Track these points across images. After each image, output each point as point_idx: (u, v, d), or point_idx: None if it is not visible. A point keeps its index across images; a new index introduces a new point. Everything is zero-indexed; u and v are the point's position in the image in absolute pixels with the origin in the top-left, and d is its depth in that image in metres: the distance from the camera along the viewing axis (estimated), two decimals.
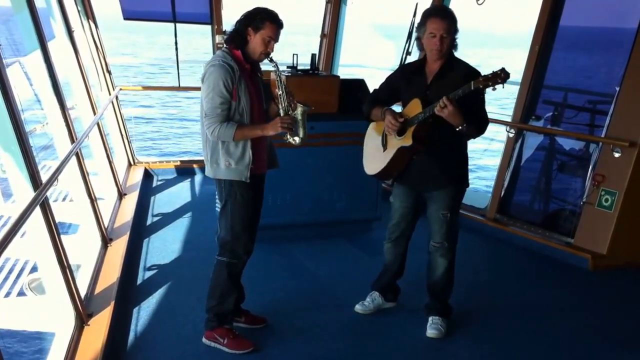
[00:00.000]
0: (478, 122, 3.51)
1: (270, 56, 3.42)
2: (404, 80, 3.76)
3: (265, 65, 3.67)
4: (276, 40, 3.39)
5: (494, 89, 3.25)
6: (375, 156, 3.86)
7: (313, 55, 5.79)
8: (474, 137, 3.64)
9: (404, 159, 3.67)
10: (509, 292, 4.70)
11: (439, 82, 3.56)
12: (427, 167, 3.66)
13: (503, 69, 3.21)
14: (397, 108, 3.81)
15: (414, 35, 3.67)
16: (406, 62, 3.86)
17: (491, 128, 8.99)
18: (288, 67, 5.59)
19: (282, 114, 3.46)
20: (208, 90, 3.34)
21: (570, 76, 6.48)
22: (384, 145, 3.78)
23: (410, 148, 3.58)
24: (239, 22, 3.40)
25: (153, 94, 20.88)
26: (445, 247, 3.82)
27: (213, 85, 3.31)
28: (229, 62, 3.34)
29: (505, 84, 3.22)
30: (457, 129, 3.41)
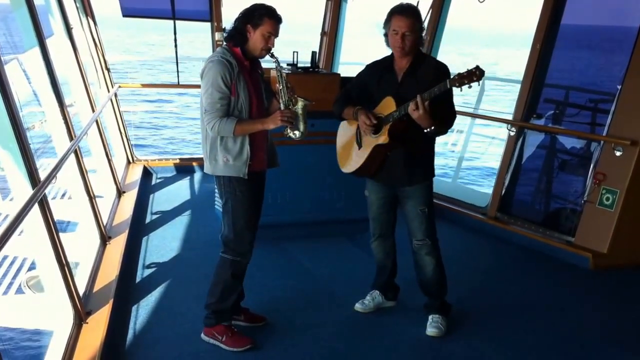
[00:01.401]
0: (446, 120, 3.54)
1: (272, 51, 3.43)
2: (374, 78, 3.75)
3: (265, 62, 3.65)
4: (276, 35, 3.39)
5: (470, 87, 3.26)
6: (350, 154, 3.87)
7: (313, 53, 5.77)
8: (442, 134, 3.69)
9: (380, 156, 3.68)
10: (509, 291, 4.68)
11: (410, 79, 3.58)
12: (402, 163, 3.67)
13: (478, 67, 3.23)
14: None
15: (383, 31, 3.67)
16: (373, 60, 3.86)
17: (492, 126, 8.94)
18: (288, 64, 5.57)
19: (282, 108, 3.46)
20: (207, 86, 3.35)
21: (572, 75, 6.46)
22: (359, 143, 3.79)
23: (387, 146, 3.59)
24: (237, 20, 3.39)
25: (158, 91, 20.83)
26: (429, 244, 3.80)
27: (212, 80, 3.32)
28: (228, 58, 3.35)
29: (480, 82, 3.24)
30: (425, 131, 3.43)
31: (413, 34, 3.50)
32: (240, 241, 3.57)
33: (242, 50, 3.41)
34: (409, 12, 3.51)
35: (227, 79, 3.32)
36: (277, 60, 3.48)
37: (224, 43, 3.48)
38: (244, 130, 3.40)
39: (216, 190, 3.61)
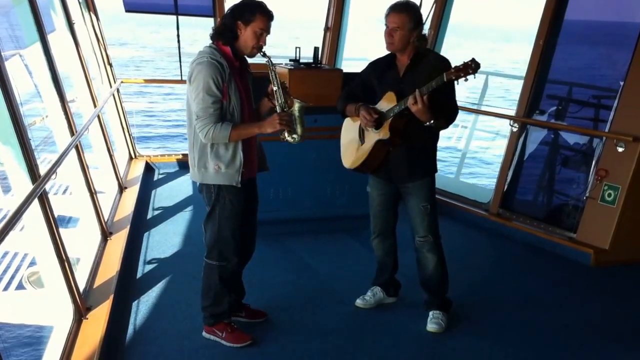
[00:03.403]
0: (447, 114, 3.53)
1: (263, 50, 3.31)
2: (376, 75, 3.76)
3: (257, 60, 3.59)
4: (268, 32, 3.27)
5: (466, 80, 3.25)
6: (352, 150, 3.87)
7: (316, 49, 5.75)
8: (443, 128, 3.68)
9: (382, 151, 3.67)
10: (510, 287, 4.67)
11: (411, 75, 3.57)
12: (403, 159, 3.67)
13: (473, 59, 3.22)
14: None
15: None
16: (376, 58, 3.87)
17: (495, 122, 8.95)
18: (291, 60, 5.57)
19: (278, 111, 3.35)
20: (197, 90, 3.18)
21: (575, 71, 6.43)
22: (362, 139, 3.78)
23: (388, 141, 3.59)
24: (226, 16, 3.26)
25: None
26: (431, 241, 3.80)
27: (203, 84, 3.16)
28: (218, 59, 3.20)
29: (476, 75, 3.23)
30: (426, 125, 3.42)
31: (402, 30, 3.50)
32: (225, 247, 3.47)
33: (232, 49, 3.27)
34: (399, 8, 3.52)
35: (218, 82, 3.17)
36: (269, 59, 3.34)
37: (211, 41, 3.33)
38: (239, 136, 3.27)
39: (203, 197, 3.50)
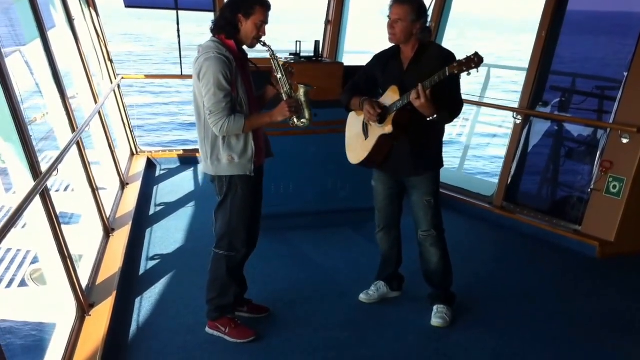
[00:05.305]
0: (451, 108, 3.51)
1: (263, 40, 3.34)
2: (379, 68, 3.74)
3: (253, 52, 3.58)
4: (266, 22, 3.31)
5: (469, 74, 3.21)
6: (357, 145, 3.85)
7: (316, 42, 5.73)
8: (447, 122, 3.67)
9: (386, 146, 3.65)
10: (515, 280, 4.65)
11: (415, 67, 3.55)
12: (408, 152, 3.64)
13: (476, 53, 3.19)
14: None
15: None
16: (381, 50, 3.84)
17: (498, 114, 8.91)
18: (291, 54, 5.55)
19: (285, 98, 3.38)
20: (209, 86, 3.20)
21: (578, 62, 6.39)
22: (365, 134, 3.76)
23: (392, 135, 3.56)
24: (226, 10, 3.29)
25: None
26: (434, 235, 3.78)
27: (213, 80, 3.18)
28: (224, 54, 3.23)
29: (479, 69, 3.20)
30: (429, 119, 3.39)
31: (403, 22, 3.48)
32: (235, 237, 3.51)
33: (235, 42, 3.31)
34: (401, 0, 3.49)
35: (228, 76, 3.19)
36: (270, 48, 3.37)
37: (212, 35, 3.35)
38: (252, 127, 3.33)
39: (215, 187, 3.51)
